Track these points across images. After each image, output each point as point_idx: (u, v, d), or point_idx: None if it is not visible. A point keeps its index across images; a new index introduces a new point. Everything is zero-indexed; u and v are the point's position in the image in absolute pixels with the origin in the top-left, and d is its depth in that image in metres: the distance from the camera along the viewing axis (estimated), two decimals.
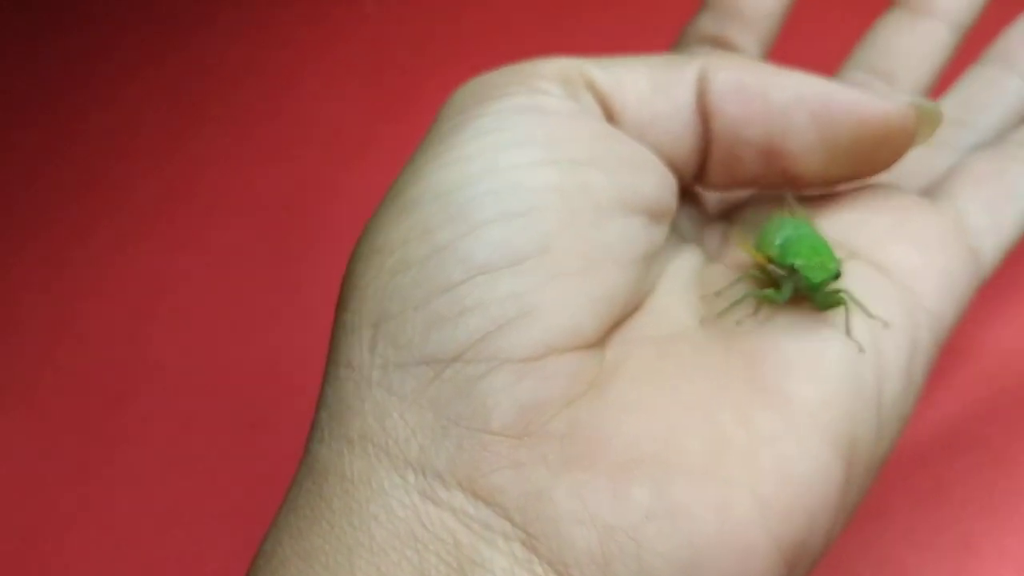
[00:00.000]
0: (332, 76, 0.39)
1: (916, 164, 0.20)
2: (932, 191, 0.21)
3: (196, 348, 0.30)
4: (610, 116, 0.19)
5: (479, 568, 0.15)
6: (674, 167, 0.19)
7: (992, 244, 0.20)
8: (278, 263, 0.32)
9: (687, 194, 0.21)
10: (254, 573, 0.16)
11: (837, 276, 0.17)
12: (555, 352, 0.16)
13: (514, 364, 0.16)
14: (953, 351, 0.27)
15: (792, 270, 0.17)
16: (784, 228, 0.19)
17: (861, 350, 0.17)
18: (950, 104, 0.24)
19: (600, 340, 0.17)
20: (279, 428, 0.28)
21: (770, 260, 0.18)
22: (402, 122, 0.36)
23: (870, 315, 0.17)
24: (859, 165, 0.19)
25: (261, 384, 0.29)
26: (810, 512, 0.15)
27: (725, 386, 0.16)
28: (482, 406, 0.16)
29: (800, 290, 0.17)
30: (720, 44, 0.24)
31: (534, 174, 0.17)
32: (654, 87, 0.19)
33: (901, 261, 0.18)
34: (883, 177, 0.19)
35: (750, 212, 0.20)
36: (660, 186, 0.18)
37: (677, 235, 0.21)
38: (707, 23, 0.25)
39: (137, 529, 0.27)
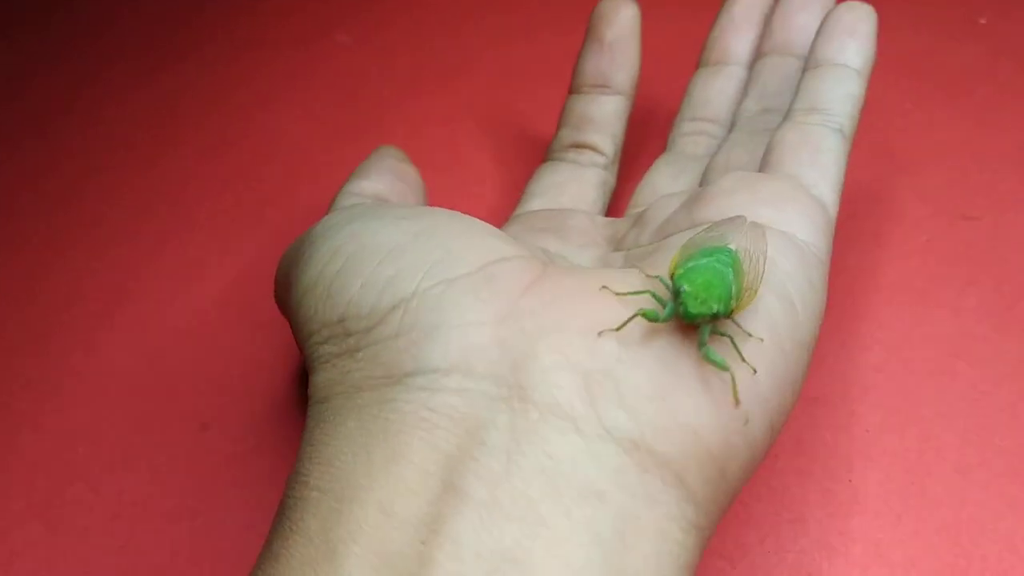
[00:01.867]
0: (303, 101, 0.40)
1: (745, 153, 0.27)
2: (764, 168, 0.25)
3: (152, 355, 0.31)
4: None
5: (483, 427, 0.17)
6: None
7: (827, 190, 0.24)
8: (238, 276, 0.33)
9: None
10: (287, 494, 0.18)
11: (715, 315, 0.18)
12: (492, 262, 0.20)
13: (462, 278, 0.19)
14: (873, 368, 0.28)
15: (677, 293, 0.18)
16: (706, 255, 0.19)
17: (737, 404, 0.18)
18: (753, 98, 0.30)
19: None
20: (229, 430, 0.29)
21: (671, 276, 0.19)
22: (366, 143, 0.37)
23: (742, 358, 0.18)
24: None
25: (213, 389, 0.30)
26: None
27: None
28: (454, 307, 0.19)
29: (683, 319, 0.18)
30: (582, 147, 0.31)
31: None
32: None
33: (770, 217, 0.22)
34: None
35: (711, 231, 0.22)
36: None
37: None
38: (567, 135, 0.31)
39: (87, 525, 0.27)
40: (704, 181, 0.27)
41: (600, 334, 0.18)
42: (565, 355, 0.18)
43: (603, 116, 0.31)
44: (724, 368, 0.18)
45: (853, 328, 0.29)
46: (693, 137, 0.31)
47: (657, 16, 0.32)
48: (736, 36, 0.32)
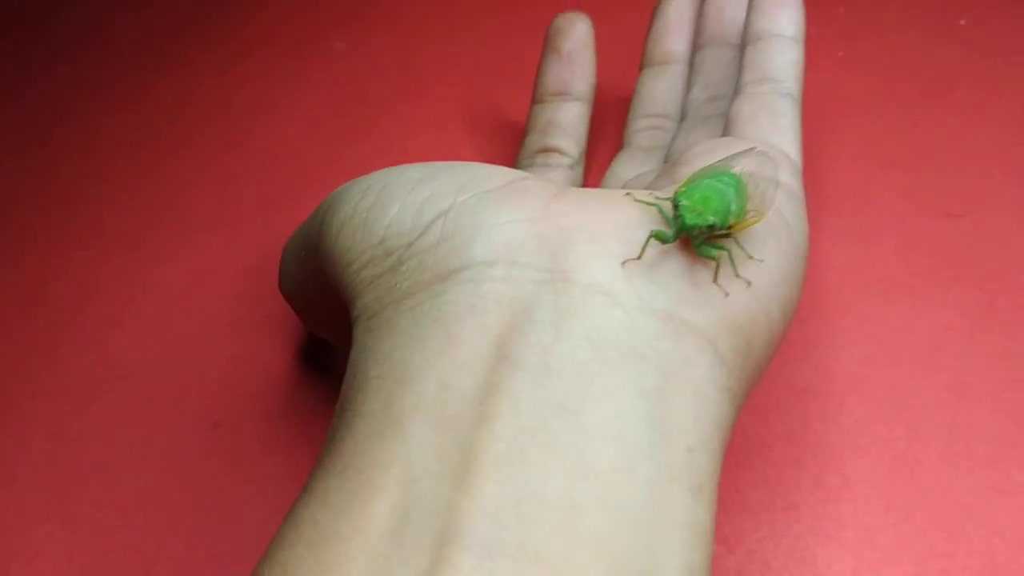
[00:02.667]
0: (302, 106, 0.41)
1: (702, 136, 0.29)
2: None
3: (162, 356, 0.32)
4: None
5: (530, 307, 0.19)
6: None
7: (791, 149, 0.26)
8: (244, 277, 0.34)
9: None
10: (340, 408, 0.20)
11: (710, 228, 0.19)
12: (518, 180, 0.21)
13: (495, 191, 0.21)
14: (861, 361, 0.29)
15: (676, 206, 0.20)
16: (713, 176, 0.21)
17: (725, 294, 0.20)
18: (699, 88, 0.32)
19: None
20: (241, 428, 0.30)
21: (675, 194, 0.20)
22: (364, 147, 0.39)
23: (736, 274, 0.20)
24: None
25: (224, 388, 0.31)
26: None
27: None
28: (491, 211, 0.20)
29: (681, 231, 0.19)
30: (549, 151, 0.33)
31: None
32: None
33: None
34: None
35: (721, 161, 0.23)
36: None
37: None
38: (534, 141, 0.33)
39: (104, 523, 0.28)
40: (667, 162, 0.29)
41: (624, 264, 0.19)
42: (600, 245, 0.19)
43: (567, 121, 0.33)
44: (712, 257, 0.19)
45: (841, 323, 0.30)
46: (648, 132, 0.33)
47: (600, 22, 0.34)
48: (673, 36, 0.34)
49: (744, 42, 0.29)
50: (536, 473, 0.16)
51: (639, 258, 0.19)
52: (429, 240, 0.20)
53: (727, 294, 0.20)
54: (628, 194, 0.21)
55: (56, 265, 0.35)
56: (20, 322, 0.34)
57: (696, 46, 0.34)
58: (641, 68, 0.35)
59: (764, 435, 0.28)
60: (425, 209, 0.21)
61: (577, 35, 0.33)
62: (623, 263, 0.19)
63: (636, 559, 0.16)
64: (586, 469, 0.17)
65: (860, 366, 0.29)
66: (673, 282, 0.19)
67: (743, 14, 0.31)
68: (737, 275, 0.20)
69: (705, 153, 0.25)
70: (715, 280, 0.19)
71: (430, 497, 0.16)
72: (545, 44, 0.33)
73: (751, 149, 0.23)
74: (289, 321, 0.32)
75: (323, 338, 0.29)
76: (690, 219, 0.19)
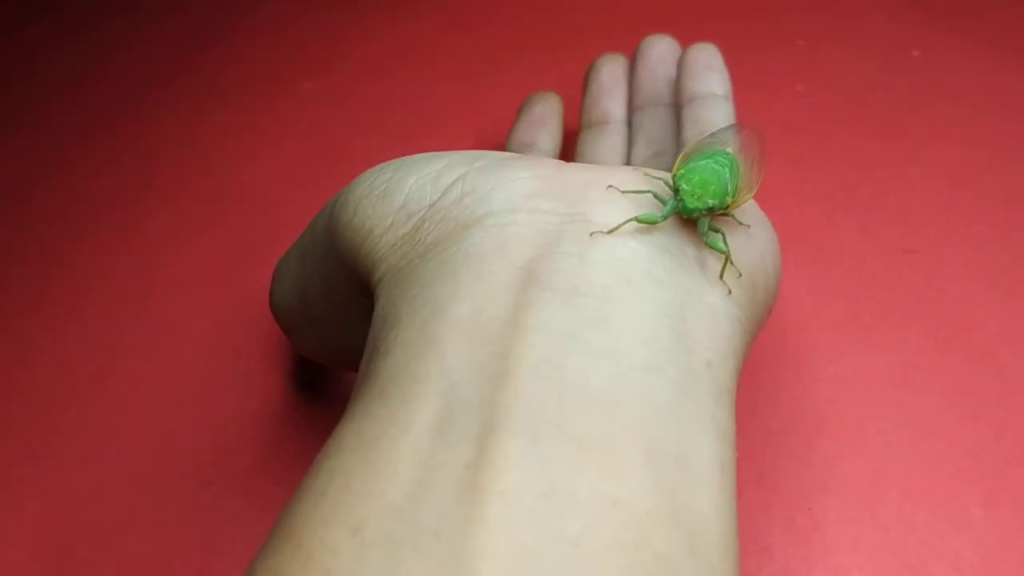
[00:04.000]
0: (265, 140, 0.42)
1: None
2: None
3: (147, 413, 0.33)
4: None
5: (554, 241, 0.20)
6: None
7: None
8: (219, 325, 0.35)
9: None
10: (367, 359, 0.20)
11: (711, 210, 0.20)
12: (522, 154, 0.23)
13: (508, 159, 0.22)
14: (826, 402, 0.30)
15: (676, 190, 0.20)
16: (705, 157, 0.22)
17: (728, 292, 0.20)
18: (641, 144, 0.34)
19: None
20: (231, 487, 0.30)
21: (673, 177, 0.21)
22: (332, 185, 0.39)
23: (728, 257, 0.21)
24: None
25: (212, 446, 0.31)
26: None
27: None
28: (508, 170, 0.22)
29: (682, 214, 0.20)
30: (528, 147, 0.35)
31: None
32: None
33: None
34: None
35: (711, 137, 0.24)
36: None
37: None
38: (521, 132, 0.36)
39: None
40: None
41: (592, 235, 0.20)
42: (612, 194, 0.21)
43: None
44: (723, 251, 0.20)
45: (807, 362, 0.31)
46: None
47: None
48: (609, 98, 0.36)
49: (680, 103, 0.32)
50: (574, 373, 0.17)
51: (609, 232, 0.20)
52: (450, 199, 0.21)
53: (740, 274, 0.21)
54: (611, 187, 0.21)
55: (35, 328, 0.36)
56: (6, 383, 0.34)
57: (634, 107, 0.36)
58: (581, 129, 0.37)
59: (737, 480, 0.29)
60: (443, 176, 0.22)
61: (548, 102, 0.36)
62: (591, 233, 0.20)
63: (671, 446, 0.17)
64: (622, 368, 0.18)
65: (826, 406, 0.30)
66: (682, 229, 0.21)
67: (673, 72, 0.35)
68: (732, 263, 0.21)
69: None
70: (722, 276, 0.20)
71: (472, 398, 0.17)
72: (519, 113, 0.36)
73: (735, 126, 0.24)
74: (274, 373, 0.33)
75: (315, 363, 0.30)
76: (691, 203, 0.20)
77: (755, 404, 0.30)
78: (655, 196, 0.21)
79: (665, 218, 0.20)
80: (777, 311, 0.32)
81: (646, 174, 0.22)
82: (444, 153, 0.23)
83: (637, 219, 0.20)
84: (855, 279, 0.34)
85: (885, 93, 0.41)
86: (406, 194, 0.22)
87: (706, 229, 0.20)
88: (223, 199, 0.40)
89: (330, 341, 0.27)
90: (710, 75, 0.33)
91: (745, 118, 0.39)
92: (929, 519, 0.28)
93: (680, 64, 0.35)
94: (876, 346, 0.32)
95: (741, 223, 0.22)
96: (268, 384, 0.33)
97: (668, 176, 0.22)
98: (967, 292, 0.33)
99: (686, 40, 0.36)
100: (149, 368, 0.34)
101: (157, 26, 0.50)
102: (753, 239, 0.22)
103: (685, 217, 0.20)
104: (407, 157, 0.24)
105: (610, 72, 0.37)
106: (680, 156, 0.22)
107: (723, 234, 0.21)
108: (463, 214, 0.21)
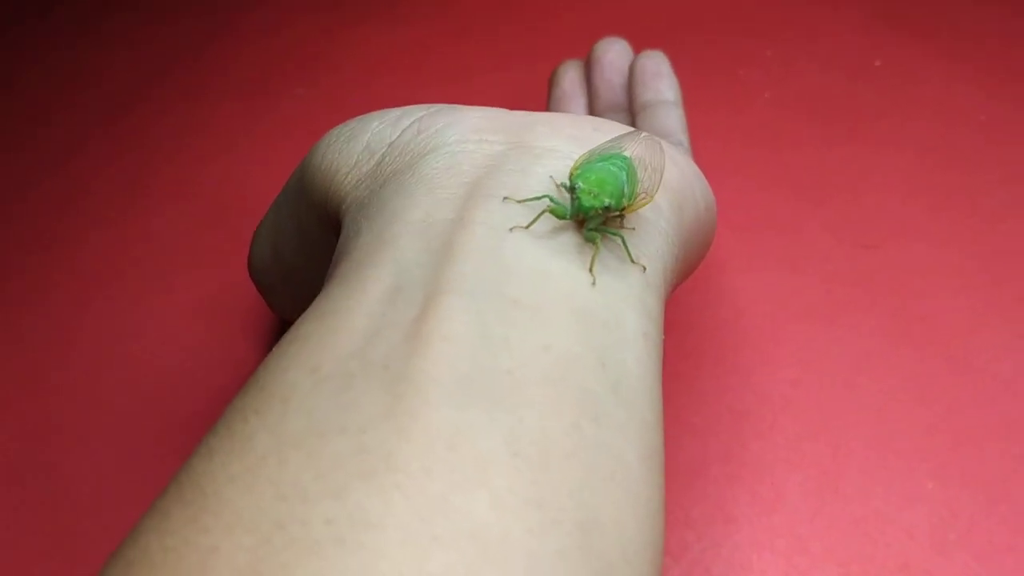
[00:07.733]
0: (263, 144, 0.43)
1: None
2: None
3: (147, 396, 0.34)
4: None
5: (499, 161, 0.22)
6: None
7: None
8: (213, 323, 0.36)
9: None
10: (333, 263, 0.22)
11: (607, 209, 0.20)
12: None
13: (462, 106, 0.24)
14: (790, 384, 0.32)
15: (572, 189, 0.20)
16: (603, 159, 0.21)
17: (593, 283, 0.20)
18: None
19: None
20: None
21: (570, 177, 0.21)
22: None
23: (631, 258, 0.21)
24: None
25: (205, 426, 0.33)
26: None
27: None
28: (461, 112, 0.24)
29: (578, 212, 0.20)
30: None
31: None
32: None
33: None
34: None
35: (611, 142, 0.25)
36: None
37: None
38: None
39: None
40: None
41: (511, 230, 0.20)
42: (557, 129, 0.23)
43: None
44: (594, 242, 0.20)
45: (772, 349, 0.33)
46: None
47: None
48: (572, 104, 0.38)
49: (634, 111, 0.35)
50: (511, 253, 0.20)
51: (527, 227, 0.20)
52: (408, 136, 0.24)
53: (642, 266, 0.21)
54: (507, 198, 0.21)
55: (38, 312, 0.37)
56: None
57: (594, 113, 0.38)
58: None
59: (704, 455, 0.31)
60: (402, 119, 0.24)
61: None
62: (511, 228, 0.20)
63: (599, 312, 0.19)
64: (556, 250, 0.20)
65: (790, 388, 0.32)
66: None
67: (625, 79, 0.37)
68: (633, 261, 0.21)
69: None
70: (591, 269, 0.20)
71: (419, 274, 0.19)
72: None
73: (637, 132, 0.24)
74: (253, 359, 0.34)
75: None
76: (587, 201, 0.20)
77: (725, 386, 0.32)
78: (551, 200, 0.21)
79: (571, 217, 0.21)
80: (747, 301, 0.34)
81: (596, 129, 0.24)
82: (403, 107, 0.26)
83: (551, 211, 0.20)
84: (819, 272, 0.36)
85: (848, 100, 0.43)
86: (368, 136, 0.24)
87: (593, 226, 0.21)
88: (222, 199, 0.41)
89: (304, 298, 0.28)
90: (660, 82, 0.36)
91: (715, 124, 0.41)
92: (885, 492, 0.29)
93: (631, 72, 0.37)
94: (838, 334, 0.34)
95: (634, 228, 0.22)
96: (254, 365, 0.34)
97: (623, 127, 0.24)
98: (922, 286, 0.35)
99: (663, 49, 0.38)
100: (149, 367, 0.35)
101: (156, 29, 0.51)
102: (683, 172, 0.25)
103: (581, 217, 0.20)
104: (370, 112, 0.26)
105: (571, 79, 0.39)
106: (579, 158, 0.22)
107: (623, 239, 0.21)
108: (419, 147, 0.23)
